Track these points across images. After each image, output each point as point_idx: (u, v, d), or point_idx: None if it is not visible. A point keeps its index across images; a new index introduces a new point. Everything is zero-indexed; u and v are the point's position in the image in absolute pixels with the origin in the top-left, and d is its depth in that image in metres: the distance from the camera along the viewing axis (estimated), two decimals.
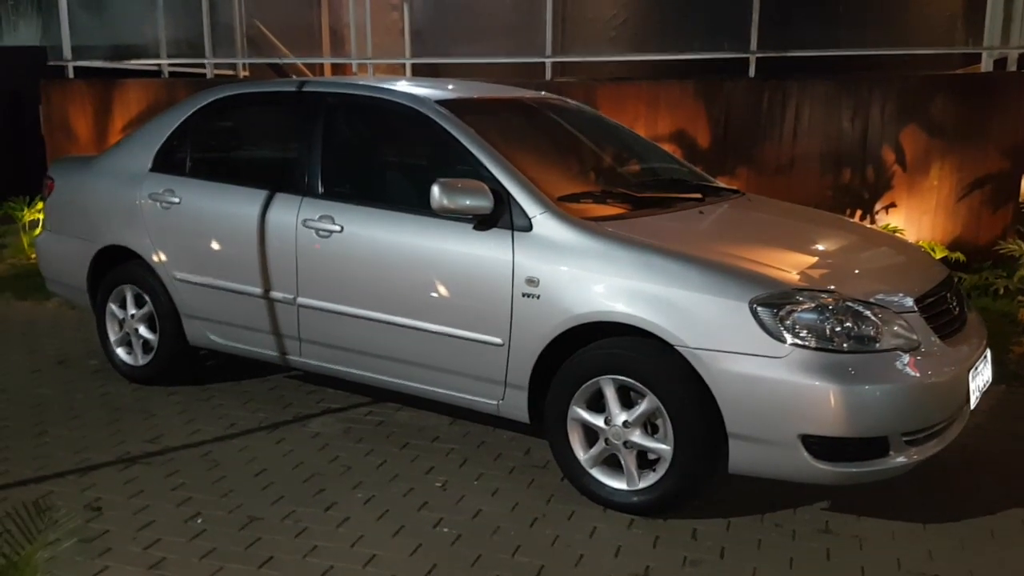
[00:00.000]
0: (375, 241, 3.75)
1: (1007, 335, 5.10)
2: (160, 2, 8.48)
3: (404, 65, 8.04)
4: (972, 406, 3.27)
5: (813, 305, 3.00)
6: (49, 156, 8.48)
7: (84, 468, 3.63)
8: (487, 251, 3.46)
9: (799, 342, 2.93)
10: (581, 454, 3.34)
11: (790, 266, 3.22)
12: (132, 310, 4.58)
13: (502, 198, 3.45)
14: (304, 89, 4.27)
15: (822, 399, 2.88)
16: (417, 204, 3.63)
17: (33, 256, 6.75)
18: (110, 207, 4.60)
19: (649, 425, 3.20)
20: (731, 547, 3.06)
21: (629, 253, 3.22)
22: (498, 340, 3.45)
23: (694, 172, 4.50)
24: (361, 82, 4.31)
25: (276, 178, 4.15)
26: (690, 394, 3.07)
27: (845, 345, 2.95)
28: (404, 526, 3.18)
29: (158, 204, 4.40)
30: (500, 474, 3.61)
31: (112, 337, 4.68)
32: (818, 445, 2.94)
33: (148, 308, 4.51)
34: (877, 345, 2.99)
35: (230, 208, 4.17)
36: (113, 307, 4.65)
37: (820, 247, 3.67)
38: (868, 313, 3.02)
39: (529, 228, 3.40)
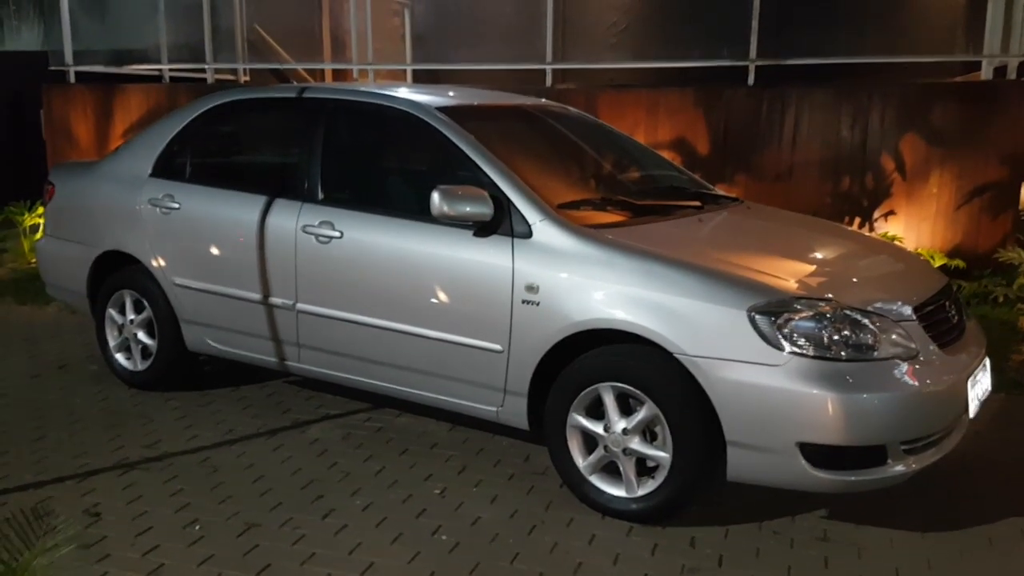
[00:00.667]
0: (375, 247, 3.75)
1: (1006, 343, 5.10)
2: (161, 7, 8.50)
3: (405, 71, 8.06)
4: (971, 415, 3.26)
5: (811, 313, 3.00)
6: (50, 161, 8.49)
7: (83, 473, 3.63)
8: (487, 258, 3.46)
9: (797, 350, 2.93)
10: (580, 461, 3.34)
11: (788, 274, 3.23)
12: (131, 315, 4.58)
13: (502, 205, 3.45)
14: (305, 95, 4.28)
15: (820, 407, 2.88)
16: (417, 210, 3.64)
17: (33, 261, 6.76)
18: (110, 212, 4.61)
19: (648, 432, 3.20)
20: (729, 555, 3.06)
21: (628, 260, 3.23)
22: (498, 347, 3.45)
23: (693, 180, 4.51)
24: (362, 88, 4.32)
25: (276, 184, 4.16)
26: (689, 401, 3.07)
27: (843, 353, 2.95)
28: (403, 533, 3.18)
29: (158, 209, 4.40)
30: (499, 481, 3.61)
31: (111, 342, 4.68)
32: (816, 453, 2.93)
33: (147, 313, 4.51)
34: (875, 353, 2.99)
35: (230, 214, 4.17)
36: (112, 312, 4.65)
37: (819, 255, 3.67)
38: (866, 321, 3.03)
39: (529, 235, 3.40)
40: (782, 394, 2.92)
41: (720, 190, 4.60)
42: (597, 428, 3.27)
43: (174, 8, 8.65)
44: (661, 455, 3.15)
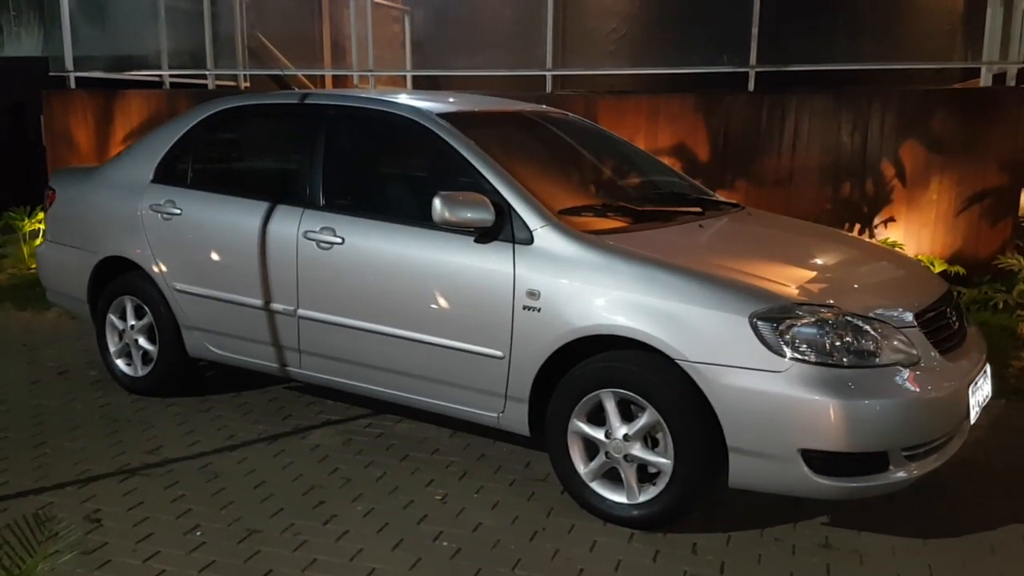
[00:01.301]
0: (376, 253, 3.76)
1: (1007, 349, 5.11)
2: (162, 13, 8.52)
3: (405, 77, 8.07)
4: (972, 421, 3.27)
5: (813, 320, 3.00)
6: (50, 166, 8.49)
7: (84, 480, 3.63)
8: (488, 264, 3.46)
9: (799, 356, 2.93)
10: (581, 467, 3.34)
11: (790, 280, 3.23)
12: (132, 321, 4.58)
13: (503, 211, 3.45)
14: (306, 101, 4.28)
15: (822, 413, 2.88)
16: (418, 216, 3.64)
17: (33, 266, 6.75)
18: (111, 218, 4.61)
19: (650, 439, 3.19)
20: (731, 561, 3.06)
21: (630, 266, 3.23)
22: (499, 353, 3.45)
23: (694, 185, 4.51)
24: (363, 94, 4.32)
25: (277, 190, 4.16)
26: (690, 408, 3.07)
27: (845, 360, 2.96)
28: (403, 539, 3.18)
29: (159, 215, 4.40)
30: (500, 487, 3.61)
31: (112, 348, 4.67)
32: (818, 459, 2.93)
33: (148, 319, 4.51)
34: (877, 360, 2.99)
35: (231, 219, 4.17)
36: (113, 318, 4.65)
37: (820, 261, 3.68)
38: (868, 328, 3.03)
39: (530, 241, 3.40)
40: (784, 400, 2.92)
41: (720, 196, 4.60)
42: (598, 434, 3.27)
43: (175, 14, 8.66)
44: (663, 461, 3.14)
